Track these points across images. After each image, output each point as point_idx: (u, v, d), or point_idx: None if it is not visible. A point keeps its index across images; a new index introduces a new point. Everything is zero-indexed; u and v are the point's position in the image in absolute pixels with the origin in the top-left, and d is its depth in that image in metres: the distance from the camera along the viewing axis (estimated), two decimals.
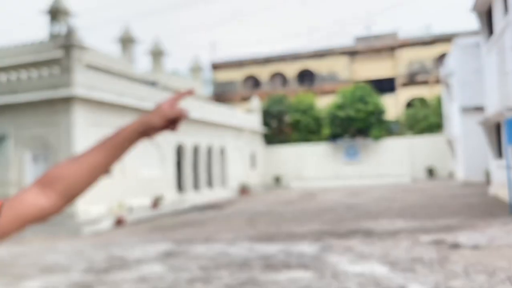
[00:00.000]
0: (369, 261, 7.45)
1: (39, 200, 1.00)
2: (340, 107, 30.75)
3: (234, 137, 27.72)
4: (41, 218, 1.01)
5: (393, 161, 30.40)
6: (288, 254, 8.41)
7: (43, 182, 1.01)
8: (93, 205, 14.69)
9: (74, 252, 10.18)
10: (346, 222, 12.15)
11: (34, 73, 15.34)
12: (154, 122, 1.08)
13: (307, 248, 8.88)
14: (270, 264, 7.61)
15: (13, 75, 15.63)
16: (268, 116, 33.99)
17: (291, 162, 32.08)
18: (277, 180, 32.05)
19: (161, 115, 1.08)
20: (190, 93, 1.14)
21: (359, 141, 31.05)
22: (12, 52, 18.73)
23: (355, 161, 31.23)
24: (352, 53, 39.40)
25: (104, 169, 1.07)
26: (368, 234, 10.15)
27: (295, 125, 33.24)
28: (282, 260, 7.92)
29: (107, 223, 14.26)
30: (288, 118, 33.90)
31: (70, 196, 1.03)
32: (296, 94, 36.67)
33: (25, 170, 15.30)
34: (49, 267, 8.62)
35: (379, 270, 6.84)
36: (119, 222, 14.54)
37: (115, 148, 1.07)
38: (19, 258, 9.76)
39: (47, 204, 1.00)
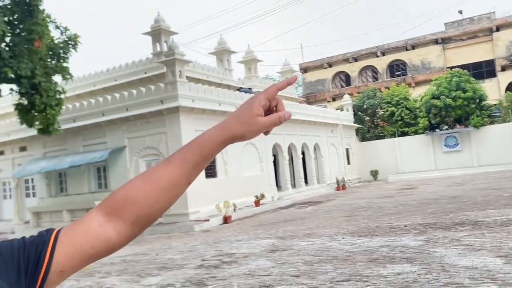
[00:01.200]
0: (480, 254, 7.22)
1: (105, 232, 0.82)
2: (436, 96, 29.28)
3: (328, 134, 27.83)
4: (107, 252, 0.83)
5: (497, 148, 28.04)
6: (391, 248, 8.45)
7: (109, 209, 0.83)
8: (202, 205, 15.92)
9: (187, 250, 11.08)
10: (451, 214, 11.73)
11: (142, 89, 17.02)
12: (246, 136, 0.87)
13: (411, 241, 8.82)
14: (374, 258, 7.72)
15: (125, 93, 17.48)
16: (360, 111, 33.51)
17: (387, 155, 31.25)
18: (374, 174, 31.42)
19: (256, 128, 0.86)
20: (292, 80, 0.91)
21: (459, 129, 29.29)
22: (122, 72, 20.88)
23: (456, 150, 29.48)
24: (444, 40, 37.19)
25: (184, 186, 0.87)
26: (476, 225, 9.76)
27: (389, 118, 32.34)
28: (386, 254, 7.99)
29: (215, 221, 15.34)
30: (381, 112, 33.10)
31: (143, 223, 0.85)
32: (388, 87, 35.64)
33: None
34: (165, 264, 9.45)
35: (493, 263, 6.60)
36: (225, 220, 15.56)
37: (198, 162, 0.87)
38: (140, 257, 10.89)
39: (115, 236, 0.82)
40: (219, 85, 21.13)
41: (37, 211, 19.13)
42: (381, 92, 34.88)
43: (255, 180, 19.53)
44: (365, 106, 33.35)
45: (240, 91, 21.47)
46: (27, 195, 20.80)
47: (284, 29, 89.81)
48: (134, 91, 17.19)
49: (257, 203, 18.41)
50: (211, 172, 17.15)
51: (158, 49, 19.31)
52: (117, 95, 17.66)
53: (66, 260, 0.78)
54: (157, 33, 19.04)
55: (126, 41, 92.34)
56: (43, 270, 0.76)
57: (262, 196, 18.89)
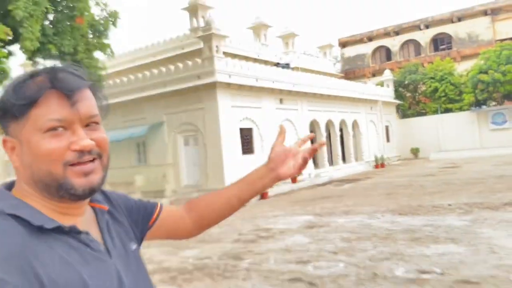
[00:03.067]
0: None
1: (187, 226, 1.22)
2: (483, 71, 27.79)
3: (367, 111, 27.17)
4: (183, 234, 1.24)
5: None
6: (435, 227, 8.17)
7: (188, 209, 1.23)
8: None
9: (224, 224, 11.13)
10: (499, 194, 11.22)
11: (180, 65, 17.06)
12: (271, 186, 1.27)
13: (455, 221, 8.50)
14: (416, 238, 7.50)
15: (163, 69, 17.60)
16: (401, 87, 32.43)
17: (429, 133, 30.24)
18: (415, 152, 30.57)
19: (276, 180, 1.25)
20: (283, 130, 1.28)
21: (508, 106, 27.83)
22: (160, 48, 21.01)
23: (504, 128, 28.09)
24: (494, 11, 35.04)
25: (237, 209, 1.25)
26: None
27: (432, 94, 31.13)
28: (428, 233, 7.75)
29: None
30: (424, 88, 31.90)
31: (208, 225, 1.25)
32: (431, 61, 34.18)
33: (179, 152, 17.24)
34: (203, 237, 9.41)
35: None
36: (262, 196, 15.58)
37: (244, 199, 1.24)
38: None
39: (190, 225, 1.22)
40: (255, 60, 20.93)
41: None
42: (424, 67, 33.53)
43: None
44: (406, 82, 32.24)
45: (278, 66, 21.21)
46: None
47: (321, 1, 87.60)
48: (172, 67, 17.27)
49: (293, 180, 18.32)
50: (247, 149, 17.14)
51: (195, 24, 19.24)
52: (155, 71, 17.81)
53: (162, 225, 1.17)
54: (194, 8, 18.95)
55: (164, 17, 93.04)
56: (151, 222, 1.15)
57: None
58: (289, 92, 19.68)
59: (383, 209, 10.86)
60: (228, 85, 16.16)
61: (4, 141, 0.88)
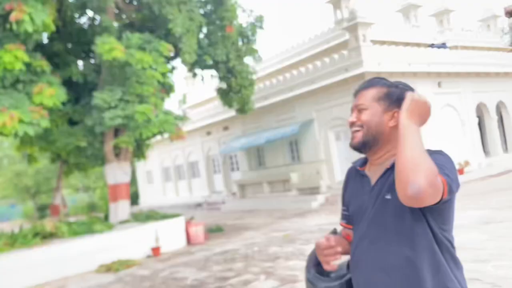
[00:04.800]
0: None
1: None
2: None
3: None
4: None
5: None
6: None
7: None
8: None
9: None
10: None
11: (326, 60, 16.86)
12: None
13: None
14: None
15: (310, 66, 17.63)
16: None
17: None
18: None
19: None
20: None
21: None
22: (305, 46, 21.14)
23: None
24: None
25: None
26: None
27: None
28: None
29: None
30: None
31: None
32: None
33: (330, 148, 17.04)
34: None
35: None
36: None
37: None
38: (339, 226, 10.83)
39: None
40: (407, 44, 19.47)
41: (242, 183, 21.13)
42: None
43: (457, 146, 17.49)
44: None
45: (433, 47, 19.44)
46: (232, 169, 23.17)
47: None
48: (318, 63, 17.16)
49: (460, 171, 16.49)
50: None
51: (339, 17, 18.82)
52: (303, 70, 17.93)
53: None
54: (337, 1, 18.55)
55: (304, 15, 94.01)
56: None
57: (467, 163, 16.82)
58: (448, 74, 17.82)
59: None
60: (377, 74, 15.36)
61: None
